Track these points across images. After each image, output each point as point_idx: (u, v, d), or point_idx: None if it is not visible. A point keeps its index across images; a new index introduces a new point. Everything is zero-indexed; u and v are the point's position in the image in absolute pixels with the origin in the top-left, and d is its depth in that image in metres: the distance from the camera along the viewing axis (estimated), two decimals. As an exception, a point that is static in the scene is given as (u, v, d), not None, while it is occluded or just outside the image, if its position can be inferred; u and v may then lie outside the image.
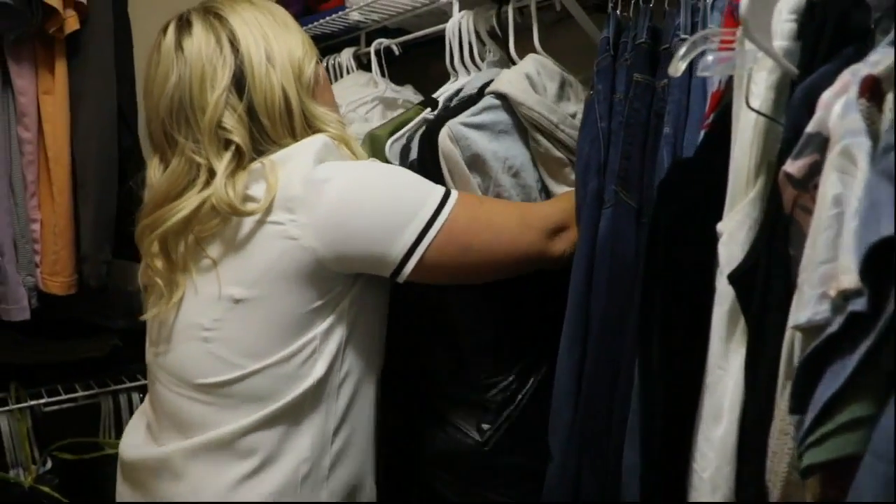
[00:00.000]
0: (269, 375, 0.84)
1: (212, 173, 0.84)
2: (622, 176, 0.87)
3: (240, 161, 0.84)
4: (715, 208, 0.64)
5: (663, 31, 0.88)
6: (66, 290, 1.21)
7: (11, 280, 1.17)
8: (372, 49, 1.42)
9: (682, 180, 0.66)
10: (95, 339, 1.43)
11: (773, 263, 0.58)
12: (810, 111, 0.53)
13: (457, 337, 1.01)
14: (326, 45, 1.64)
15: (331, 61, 1.58)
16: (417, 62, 1.50)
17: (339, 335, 0.86)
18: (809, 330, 0.50)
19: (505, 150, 1.00)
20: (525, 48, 1.11)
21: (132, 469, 0.93)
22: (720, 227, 0.63)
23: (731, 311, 0.63)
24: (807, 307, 0.49)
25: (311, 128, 0.90)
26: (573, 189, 0.94)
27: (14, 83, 1.15)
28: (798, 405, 0.50)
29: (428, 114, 1.16)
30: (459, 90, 1.16)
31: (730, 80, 0.66)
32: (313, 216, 0.81)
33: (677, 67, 0.60)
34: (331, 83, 1.56)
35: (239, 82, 0.84)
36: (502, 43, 1.17)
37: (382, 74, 1.43)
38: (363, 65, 1.53)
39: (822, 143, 0.51)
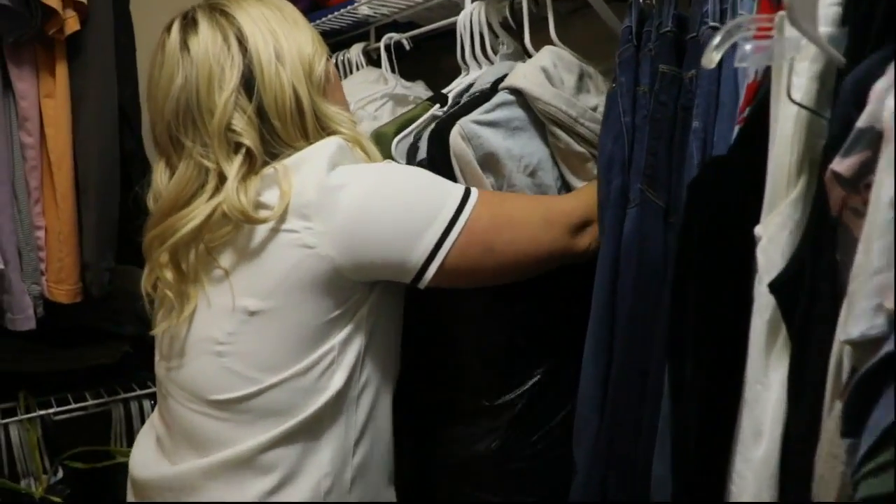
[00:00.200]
0: (286, 389, 0.80)
1: (222, 178, 0.80)
2: (648, 174, 0.82)
3: (251, 165, 0.81)
4: (752, 210, 0.59)
5: (689, 18, 0.83)
6: (72, 298, 1.18)
7: (16, 289, 1.14)
8: (382, 44, 1.38)
9: (716, 180, 0.61)
10: (105, 345, 1.41)
11: (819, 271, 0.53)
12: (860, 104, 0.48)
13: (465, 344, 0.97)
14: (335, 40, 1.60)
15: (340, 57, 1.54)
16: (429, 57, 1.45)
17: (357, 344, 0.83)
18: (862, 345, 0.46)
19: (520, 148, 0.95)
20: (541, 40, 1.07)
21: (145, 488, 0.90)
22: (758, 230, 0.59)
23: (772, 321, 0.58)
24: (859, 320, 0.45)
25: (323, 128, 0.86)
26: (595, 181, 0.89)
27: (15, 87, 1.12)
28: (851, 429, 0.46)
29: (437, 110, 1.12)
30: (471, 85, 1.12)
31: (767, 70, 0.61)
32: (329, 224, 0.78)
33: (711, 58, 0.55)
34: (341, 79, 1.54)
35: (248, 82, 0.81)
36: (516, 35, 1.12)
37: (392, 70, 1.39)
38: (373, 60, 1.49)
39: (874, 138, 0.47)
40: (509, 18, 1.12)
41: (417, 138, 1.06)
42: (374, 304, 0.84)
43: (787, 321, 0.56)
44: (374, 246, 0.79)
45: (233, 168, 0.79)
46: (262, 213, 0.79)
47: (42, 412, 1.30)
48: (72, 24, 1.11)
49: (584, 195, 0.90)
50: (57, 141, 1.14)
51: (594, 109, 1.00)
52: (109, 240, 1.17)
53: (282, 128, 0.82)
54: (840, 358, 0.51)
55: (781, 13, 0.56)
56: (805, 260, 0.54)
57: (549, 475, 0.94)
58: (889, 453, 0.42)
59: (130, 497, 0.93)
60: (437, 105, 1.13)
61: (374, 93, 1.37)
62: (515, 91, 0.96)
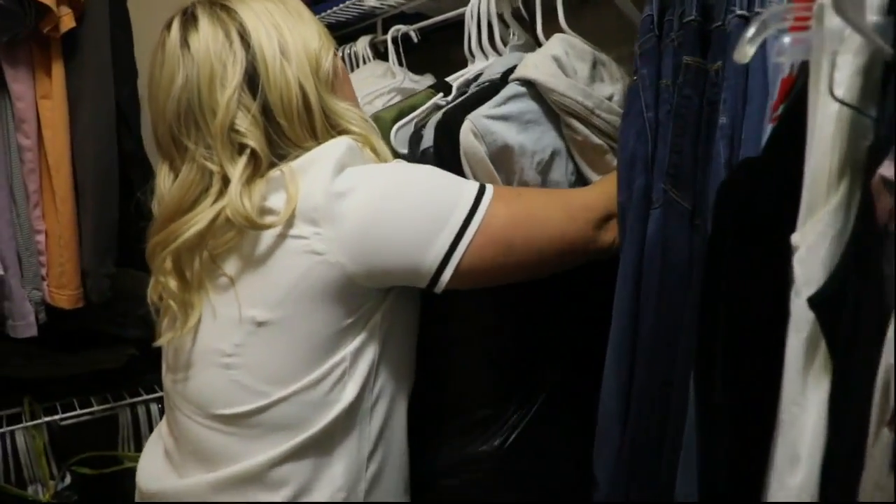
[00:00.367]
0: (296, 402, 0.77)
1: (226, 181, 0.77)
2: (672, 173, 0.77)
3: (256, 167, 0.77)
4: (788, 217, 0.55)
5: (714, 6, 0.78)
6: (73, 303, 1.15)
7: (17, 295, 1.12)
8: (389, 36, 1.33)
9: (747, 183, 0.56)
10: (111, 349, 1.39)
11: (865, 285, 0.48)
12: (914, 101, 0.43)
13: (474, 351, 0.93)
14: (341, 33, 1.56)
15: (346, 51, 1.50)
16: (438, 48, 1.41)
17: (370, 354, 0.80)
18: (917, 369, 0.41)
19: (534, 143, 0.91)
20: (553, 31, 1.02)
21: (152, 501, 0.88)
22: (795, 238, 0.54)
23: (811, 338, 0.53)
24: (911, 340, 0.40)
25: (332, 126, 0.82)
26: (613, 173, 0.85)
27: (10, 88, 1.09)
28: (903, 462, 0.41)
29: (440, 99, 1.07)
30: (478, 75, 1.07)
31: (803, 64, 0.56)
32: (339, 229, 0.74)
33: (745, 52, 0.50)
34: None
35: (252, 80, 0.77)
36: (527, 25, 1.07)
37: (400, 63, 1.35)
38: (380, 53, 1.45)
39: (931, 140, 0.42)
40: (521, 9, 1.07)
41: (420, 126, 1.01)
42: (387, 310, 0.81)
43: (829, 339, 0.52)
44: (386, 251, 0.75)
45: (237, 170, 0.76)
46: (268, 219, 0.75)
47: (47, 419, 1.28)
48: (67, 21, 1.07)
49: (603, 187, 0.85)
50: (55, 143, 1.11)
51: (609, 99, 0.95)
52: (108, 245, 1.14)
53: (289, 127, 0.78)
54: (888, 381, 0.46)
55: (822, 1, 0.51)
56: (849, 273, 0.50)
57: (556, 480, 0.90)
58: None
59: None
60: (440, 94, 1.08)
61: (381, 87, 1.33)
62: (527, 82, 0.91)
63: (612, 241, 0.84)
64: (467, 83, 1.06)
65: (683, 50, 0.78)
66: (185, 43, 0.78)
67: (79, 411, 1.31)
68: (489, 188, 0.80)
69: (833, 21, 0.50)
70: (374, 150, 0.84)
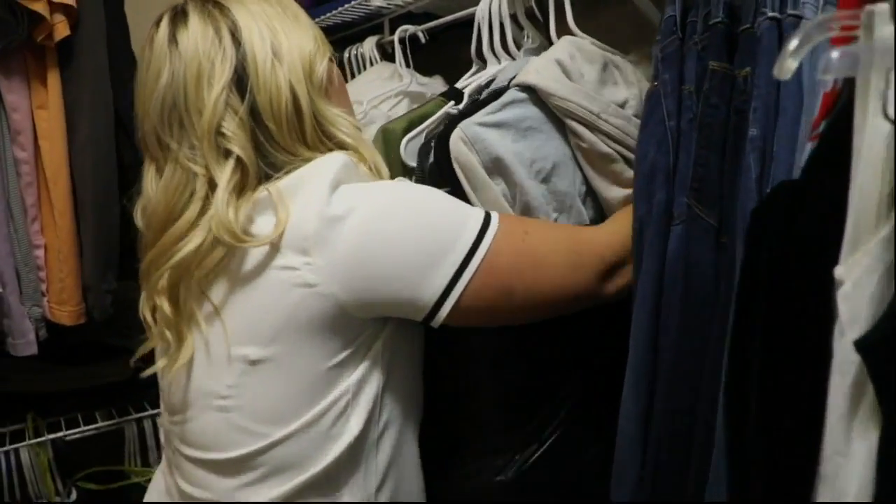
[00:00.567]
0: (299, 441, 0.73)
1: (212, 185, 0.72)
2: (696, 187, 0.72)
3: (244, 175, 0.72)
4: (831, 246, 0.49)
5: (742, 7, 0.72)
6: (75, 319, 1.12)
7: (15, 313, 1.09)
8: (396, 37, 1.28)
9: (785, 208, 0.51)
10: (115, 362, 1.35)
11: (921, 328, 0.43)
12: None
13: (481, 382, 0.88)
14: (347, 34, 1.52)
15: (352, 52, 1.45)
16: (447, 48, 1.35)
17: (374, 384, 0.75)
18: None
19: (533, 151, 0.86)
20: (567, 32, 0.96)
21: None
22: (839, 272, 0.48)
23: (856, 383, 0.48)
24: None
25: (324, 133, 0.77)
26: (630, 206, 0.79)
27: (5, 99, 1.06)
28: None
29: (451, 108, 1.02)
30: (490, 81, 1.02)
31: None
32: (331, 257, 0.69)
33: (786, 67, 0.44)
34: (351, 78, 1.45)
35: (240, 80, 0.73)
36: (542, 27, 1.02)
37: (407, 65, 1.30)
38: (387, 54, 1.40)
39: None
40: (535, 9, 1.02)
41: (430, 138, 0.96)
42: (388, 337, 0.76)
43: (877, 386, 0.46)
44: (381, 281, 0.70)
45: (223, 176, 0.71)
46: (260, 241, 0.70)
47: (51, 436, 1.25)
48: (61, 29, 1.04)
49: (620, 226, 0.80)
50: (52, 154, 1.07)
51: (623, 104, 0.90)
52: (109, 259, 1.11)
53: (277, 131, 0.74)
54: (947, 435, 0.41)
55: (871, 7, 0.45)
56: (902, 314, 0.44)
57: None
58: None
59: None
60: (452, 102, 1.04)
61: (388, 90, 1.28)
62: (527, 87, 0.86)
63: (617, 290, 0.79)
64: (479, 90, 1.01)
65: (708, 54, 0.73)
66: (173, 39, 0.74)
67: (83, 428, 1.28)
68: (494, 220, 0.74)
69: (885, 31, 0.44)
70: (369, 165, 0.79)
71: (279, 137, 0.74)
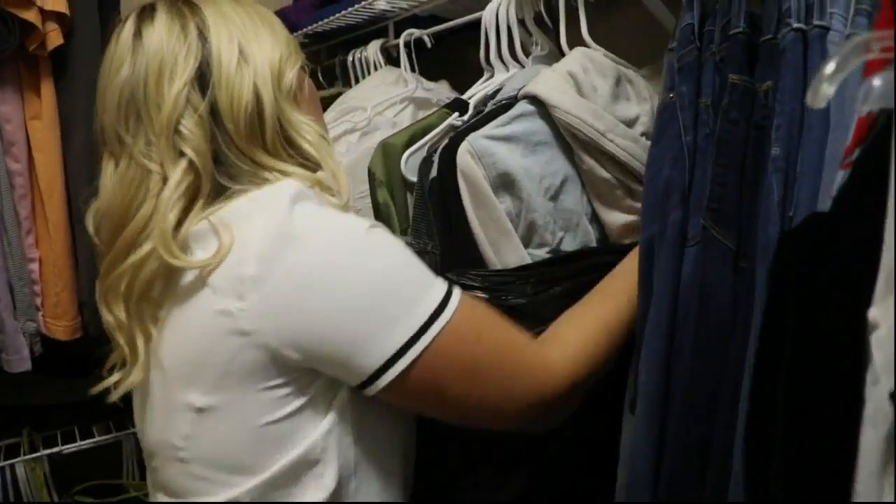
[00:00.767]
0: (271, 493, 0.68)
1: (167, 183, 0.68)
2: (714, 207, 0.68)
3: (196, 177, 0.68)
4: (865, 285, 0.45)
5: (763, 16, 0.68)
6: (70, 335, 1.10)
7: (9, 328, 1.06)
8: (401, 41, 1.25)
9: (814, 242, 0.47)
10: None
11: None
12: None
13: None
14: (350, 37, 1.48)
15: (356, 55, 1.42)
16: (454, 50, 1.31)
17: (346, 433, 0.69)
18: None
19: (542, 167, 0.82)
20: (578, 39, 0.92)
21: None
22: (874, 315, 0.44)
23: (891, 436, 0.44)
24: None
25: (287, 139, 0.72)
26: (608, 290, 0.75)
27: (-2, 110, 1.03)
28: None
29: (455, 119, 0.98)
30: (497, 91, 0.98)
31: (884, 98, 0.46)
32: (267, 303, 0.63)
33: (824, 94, 0.40)
34: (355, 82, 1.41)
35: (203, 76, 0.69)
36: (552, 33, 0.98)
37: (413, 70, 1.26)
38: (392, 58, 1.36)
39: None
40: (544, 14, 0.98)
41: (432, 152, 0.91)
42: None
43: (917, 441, 0.42)
44: (314, 337, 0.64)
45: (174, 176, 0.67)
46: (193, 261, 0.65)
47: (47, 451, 1.23)
48: (54, 38, 1.01)
49: (590, 339, 0.73)
50: (46, 166, 1.05)
51: (633, 121, 0.86)
52: (104, 274, 1.08)
53: (235, 132, 0.69)
54: None
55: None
56: (945, 364, 0.40)
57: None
58: None
59: None
60: (456, 113, 1.00)
61: (392, 96, 1.24)
62: (535, 99, 0.82)
63: (554, 424, 0.73)
64: (485, 100, 0.97)
65: (728, 66, 0.69)
66: (138, 33, 0.70)
67: (80, 443, 1.26)
68: (452, 305, 0.66)
69: (927, 52, 0.40)
70: (331, 187, 0.72)
71: (237, 139, 0.69)
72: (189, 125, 0.67)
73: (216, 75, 0.69)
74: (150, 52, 0.69)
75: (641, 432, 0.73)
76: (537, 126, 0.83)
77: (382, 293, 0.65)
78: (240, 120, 0.69)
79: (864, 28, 0.59)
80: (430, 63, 1.31)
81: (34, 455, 1.21)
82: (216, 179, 0.69)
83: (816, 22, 0.63)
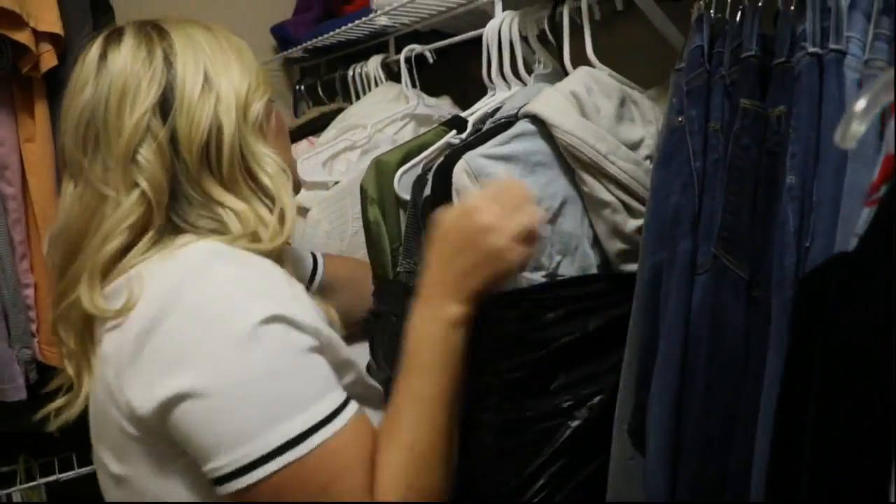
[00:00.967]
0: None
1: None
2: (725, 236, 0.66)
3: (148, 210, 0.66)
4: (893, 331, 0.43)
5: (775, 38, 0.66)
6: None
7: (3, 357, 1.04)
8: (402, 57, 1.23)
9: (842, 284, 0.45)
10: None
11: None
12: None
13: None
14: (351, 51, 1.46)
15: (357, 70, 1.40)
16: (456, 64, 1.29)
17: None
18: None
19: (541, 188, 0.79)
20: (582, 57, 0.90)
21: None
22: (904, 362, 0.42)
23: (926, 492, 0.42)
24: None
25: (247, 171, 0.70)
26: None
27: (-10, 133, 1.01)
28: None
29: (453, 137, 0.96)
30: (497, 109, 0.96)
31: (910, 133, 0.44)
32: (132, 366, 0.61)
33: (853, 134, 0.38)
34: (355, 97, 1.39)
35: (166, 102, 0.67)
36: (555, 50, 0.96)
37: (414, 85, 1.24)
38: (393, 74, 1.34)
39: None
40: (547, 31, 0.96)
41: (427, 170, 0.89)
42: None
43: (952, 499, 0.40)
44: (172, 414, 0.60)
45: (123, 206, 0.65)
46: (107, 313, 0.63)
47: (44, 480, 1.20)
48: (48, 59, 0.99)
49: (415, 460, 0.64)
50: (41, 190, 1.03)
51: (637, 144, 0.83)
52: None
53: (191, 161, 0.67)
54: None
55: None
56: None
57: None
58: None
59: None
60: (454, 131, 0.97)
61: (393, 113, 1.23)
62: (535, 119, 0.80)
63: None
64: (484, 118, 0.95)
65: (739, 90, 0.67)
66: (104, 55, 0.69)
67: (77, 470, 1.23)
68: (324, 431, 0.60)
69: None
70: (258, 238, 0.69)
71: (193, 170, 0.67)
72: (147, 154, 0.66)
73: (178, 101, 0.67)
74: (114, 74, 0.67)
75: (654, 467, 0.70)
76: (537, 146, 0.81)
77: (250, 399, 0.59)
78: (195, 148, 0.67)
79: (884, 53, 0.56)
80: (431, 78, 1.29)
81: (31, 484, 1.19)
82: (169, 214, 0.67)
83: (833, 46, 0.60)
